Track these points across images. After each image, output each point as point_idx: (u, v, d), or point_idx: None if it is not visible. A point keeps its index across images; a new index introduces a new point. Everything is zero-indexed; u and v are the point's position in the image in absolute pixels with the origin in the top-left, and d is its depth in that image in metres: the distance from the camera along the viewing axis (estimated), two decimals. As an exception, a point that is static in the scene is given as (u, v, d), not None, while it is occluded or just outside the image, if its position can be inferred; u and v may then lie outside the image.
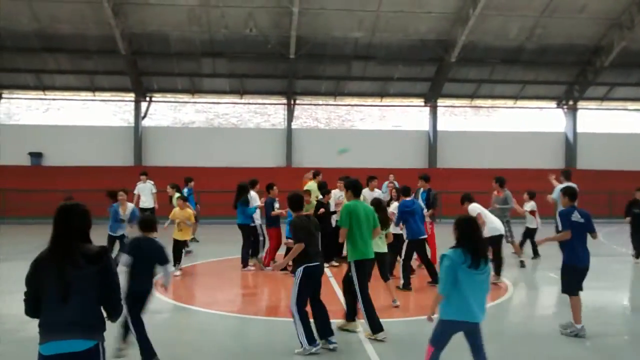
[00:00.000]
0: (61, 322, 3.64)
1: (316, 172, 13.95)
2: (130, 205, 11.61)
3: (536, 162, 26.46)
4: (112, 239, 11.21)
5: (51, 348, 3.60)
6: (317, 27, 22.81)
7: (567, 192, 7.82)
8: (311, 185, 13.68)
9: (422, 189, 12.55)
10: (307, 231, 6.77)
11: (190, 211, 11.80)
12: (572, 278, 7.48)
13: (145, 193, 16.57)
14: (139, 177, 17.00)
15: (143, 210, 16.53)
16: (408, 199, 10.59)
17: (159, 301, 9.35)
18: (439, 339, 5.11)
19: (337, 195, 12.86)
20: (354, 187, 7.51)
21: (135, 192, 16.68)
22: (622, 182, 24.15)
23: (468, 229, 5.09)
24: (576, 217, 7.47)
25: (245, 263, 12.04)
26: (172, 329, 8.09)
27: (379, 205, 8.79)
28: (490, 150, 26.45)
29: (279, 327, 7.75)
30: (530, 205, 13.87)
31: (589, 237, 7.48)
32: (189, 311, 8.92)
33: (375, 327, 7.05)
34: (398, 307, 8.81)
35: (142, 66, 24.79)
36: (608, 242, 16.49)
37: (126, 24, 22.26)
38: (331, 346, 6.62)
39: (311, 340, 6.50)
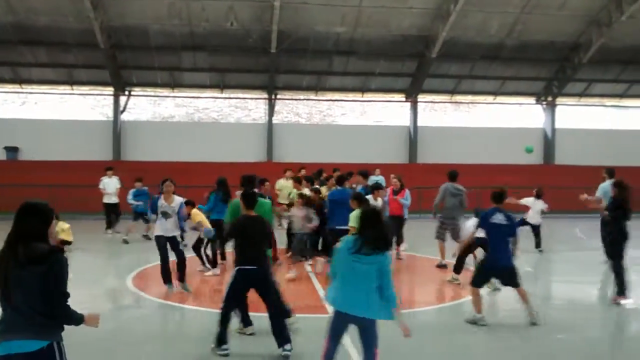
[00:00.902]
0: (10, 321, 3.61)
1: (301, 168, 13.72)
2: (178, 199, 9.51)
3: (515, 158, 26.71)
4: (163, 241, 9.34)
5: (4, 348, 3.57)
6: (299, 21, 22.72)
7: (492, 195, 8.10)
8: (280, 183, 13.67)
9: (360, 185, 12.53)
10: (240, 232, 6.55)
11: (199, 217, 10.59)
12: (482, 274, 7.89)
13: (111, 188, 16.44)
14: (105, 172, 16.90)
15: (108, 206, 16.34)
16: (339, 188, 10.71)
17: (139, 297, 9.29)
18: (331, 328, 5.08)
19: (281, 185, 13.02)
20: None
21: (100, 187, 16.58)
22: (599, 178, 24.42)
23: (369, 219, 5.06)
24: (497, 219, 7.72)
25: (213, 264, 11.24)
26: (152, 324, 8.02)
27: (361, 199, 8.99)
28: (470, 146, 26.62)
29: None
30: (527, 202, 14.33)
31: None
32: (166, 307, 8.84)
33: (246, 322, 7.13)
34: None
35: (121, 60, 24.51)
36: (586, 237, 16.66)
37: (105, 17, 21.96)
38: (283, 353, 6.35)
39: (219, 342, 6.40)
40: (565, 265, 13.48)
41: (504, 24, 23.52)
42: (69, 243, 12.89)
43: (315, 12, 22.36)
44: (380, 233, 4.99)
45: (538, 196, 14.42)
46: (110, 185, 16.51)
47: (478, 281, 7.88)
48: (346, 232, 10.15)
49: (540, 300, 8.80)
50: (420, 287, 10.85)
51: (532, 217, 14.30)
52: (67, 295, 3.69)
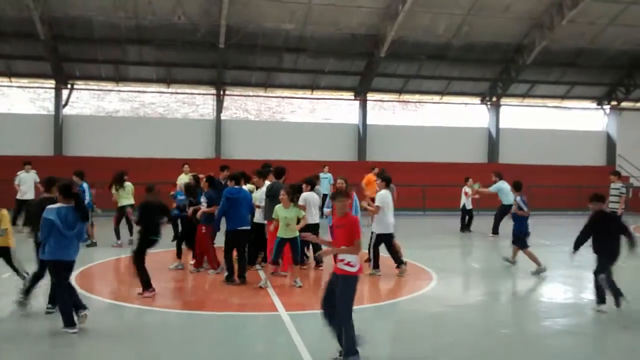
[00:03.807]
0: None
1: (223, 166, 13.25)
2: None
3: (461, 156, 27.32)
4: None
5: None
6: (248, 16, 22.50)
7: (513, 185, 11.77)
8: (182, 177, 13.59)
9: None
10: None
11: None
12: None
13: (28, 183, 15.80)
14: (23, 167, 16.29)
15: (22, 202, 15.47)
16: (236, 187, 10.24)
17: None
18: None
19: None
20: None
21: (16, 182, 15.97)
22: (541, 176, 25.29)
23: None
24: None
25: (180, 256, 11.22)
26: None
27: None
28: (417, 144, 27.01)
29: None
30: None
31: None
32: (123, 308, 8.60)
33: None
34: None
35: (63, 52, 23.68)
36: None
37: (46, 7, 21.15)
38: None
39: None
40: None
41: (450, 24, 23.92)
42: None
43: (265, 8, 22.19)
44: None
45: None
46: (27, 180, 15.79)
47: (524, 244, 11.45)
48: (244, 233, 10.07)
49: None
50: (377, 283, 10.91)
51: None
52: None
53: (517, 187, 11.90)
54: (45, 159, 23.50)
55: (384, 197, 10.78)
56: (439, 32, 24.23)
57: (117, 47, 23.72)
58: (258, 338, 7.10)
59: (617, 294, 8.26)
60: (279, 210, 9.79)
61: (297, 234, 9.74)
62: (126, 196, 13.73)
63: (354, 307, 6.02)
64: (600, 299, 8.37)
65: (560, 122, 29.76)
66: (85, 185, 13.93)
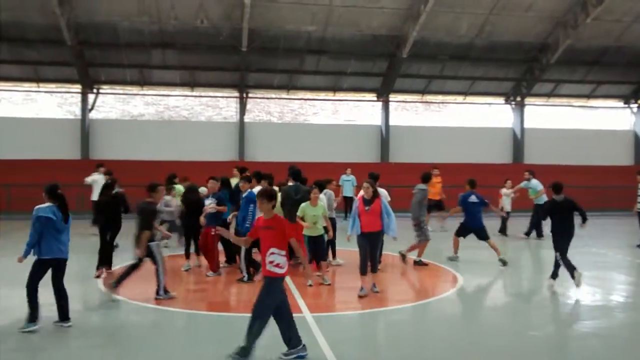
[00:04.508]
0: None
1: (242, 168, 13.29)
2: None
3: (485, 157, 27.10)
4: None
5: None
6: (270, 19, 22.63)
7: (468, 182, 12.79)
8: (178, 187, 13.71)
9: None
10: None
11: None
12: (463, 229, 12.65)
13: (99, 184, 15.44)
14: (95, 169, 16.07)
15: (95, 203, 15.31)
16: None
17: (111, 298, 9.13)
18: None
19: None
20: None
21: (89, 181, 15.76)
22: (567, 176, 24.87)
23: None
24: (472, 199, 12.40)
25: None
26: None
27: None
28: (440, 145, 26.85)
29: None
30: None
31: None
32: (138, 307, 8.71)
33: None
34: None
35: (89, 57, 24.08)
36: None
37: (72, 13, 21.55)
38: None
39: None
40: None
41: (473, 24, 23.77)
42: None
43: (286, 10, 22.30)
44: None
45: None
46: (100, 182, 14.94)
47: (459, 233, 12.55)
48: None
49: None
50: (401, 285, 10.88)
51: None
52: None
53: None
54: (72, 163, 23.92)
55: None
56: (462, 32, 24.10)
57: (142, 52, 24.03)
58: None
59: (572, 270, 9.61)
60: (307, 208, 9.92)
61: (323, 232, 10.05)
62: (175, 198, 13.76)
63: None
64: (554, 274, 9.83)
65: (585, 122, 29.37)
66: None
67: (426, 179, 12.22)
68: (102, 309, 8.73)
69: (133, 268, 8.82)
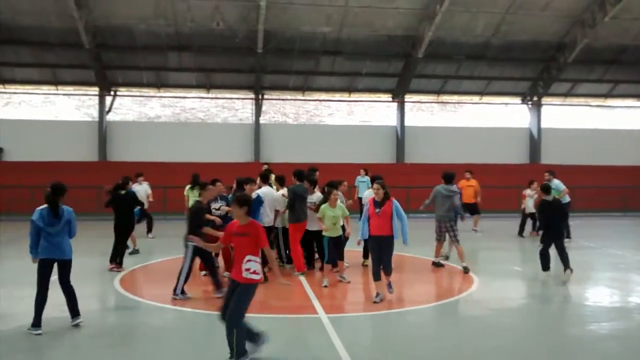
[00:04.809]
0: None
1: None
2: None
3: (502, 157, 26.93)
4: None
5: None
6: (285, 21, 22.70)
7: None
8: (187, 189, 13.74)
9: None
10: None
11: None
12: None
13: (140, 195, 14.52)
14: (134, 179, 15.41)
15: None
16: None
17: (124, 298, 9.22)
18: None
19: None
20: None
21: (185, 194, 14.89)
22: (585, 177, 24.73)
23: None
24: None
25: None
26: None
27: None
28: (456, 146, 26.74)
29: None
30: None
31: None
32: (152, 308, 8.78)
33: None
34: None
35: (106, 59, 24.33)
36: (573, 235, 16.81)
37: (90, 17, 21.79)
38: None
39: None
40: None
41: (489, 24, 23.65)
42: None
43: (302, 12, 22.35)
44: None
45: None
46: (140, 192, 14.87)
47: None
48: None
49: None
50: (416, 286, 10.87)
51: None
52: None
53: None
54: (90, 165, 24.22)
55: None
56: (478, 31, 23.98)
57: (158, 54, 24.22)
58: (298, 340, 7.15)
59: (545, 265, 10.70)
60: (326, 210, 9.98)
61: (341, 232, 10.19)
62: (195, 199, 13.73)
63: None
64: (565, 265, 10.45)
65: (603, 121, 29.06)
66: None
67: (449, 179, 11.81)
68: (117, 309, 8.83)
69: (212, 268, 9.18)
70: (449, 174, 11.85)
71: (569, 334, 7.67)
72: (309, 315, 8.03)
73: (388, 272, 8.88)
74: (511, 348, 6.83)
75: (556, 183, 16.11)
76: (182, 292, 8.91)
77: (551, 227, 10.55)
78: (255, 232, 5.97)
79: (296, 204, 10.72)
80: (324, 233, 10.17)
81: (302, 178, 11.21)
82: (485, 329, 7.72)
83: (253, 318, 8.00)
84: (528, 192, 17.10)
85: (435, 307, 8.97)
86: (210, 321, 7.92)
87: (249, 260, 5.91)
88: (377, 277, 8.76)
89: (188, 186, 14.27)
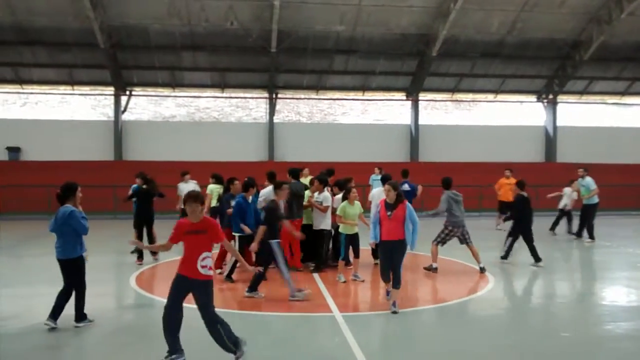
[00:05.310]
0: None
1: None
2: None
3: (517, 155, 26.74)
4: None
5: None
6: (299, 20, 22.72)
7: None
8: (210, 187, 13.65)
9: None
10: None
11: None
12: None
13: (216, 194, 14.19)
14: (181, 177, 15.22)
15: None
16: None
17: (140, 296, 9.29)
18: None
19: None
20: None
21: (179, 193, 14.88)
22: (602, 175, 24.42)
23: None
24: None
25: None
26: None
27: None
28: (471, 144, 26.64)
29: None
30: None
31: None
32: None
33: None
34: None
35: (121, 59, 24.52)
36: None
37: (105, 17, 21.99)
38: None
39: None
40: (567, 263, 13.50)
41: (504, 21, 23.50)
42: None
43: (315, 11, 22.35)
44: None
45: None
46: (186, 190, 14.93)
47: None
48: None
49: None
50: (431, 285, 10.85)
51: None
52: None
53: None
54: (106, 164, 24.42)
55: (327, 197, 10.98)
56: (492, 29, 23.85)
57: (173, 54, 24.37)
58: (313, 339, 7.16)
59: (507, 253, 12.01)
60: (347, 208, 10.08)
61: (357, 229, 10.32)
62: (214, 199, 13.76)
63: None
64: (535, 258, 11.60)
65: (620, 119, 28.77)
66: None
67: (447, 184, 11.49)
68: (133, 307, 8.90)
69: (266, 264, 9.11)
70: (449, 179, 11.65)
71: (584, 333, 7.60)
72: (323, 314, 8.03)
73: (396, 285, 8.12)
74: (526, 348, 6.78)
75: (588, 181, 15.70)
76: (299, 290, 8.77)
77: (522, 221, 11.71)
78: (213, 228, 5.94)
79: (292, 202, 10.85)
80: (340, 230, 10.24)
81: (297, 176, 11.49)
82: (500, 328, 7.68)
83: (268, 316, 8.07)
84: (568, 190, 16.73)
85: (450, 306, 8.94)
86: (225, 318, 7.98)
87: (205, 258, 5.87)
88: (386, 279, 8.35)
89: (213, 185, 14.06)
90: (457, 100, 28.20)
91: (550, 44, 24.96)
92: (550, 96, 27.68)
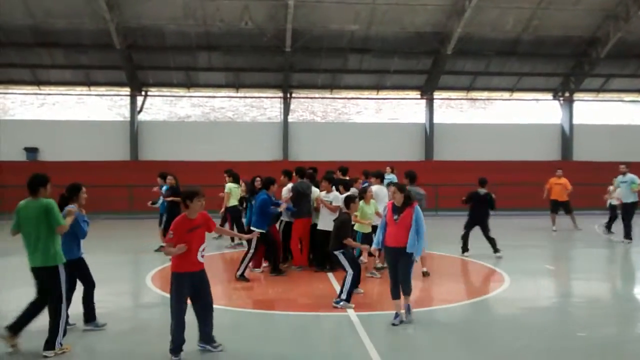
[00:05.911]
0: None
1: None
2: None
3: (533, 154, 26.57)
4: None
5: None
6: (313, 20, 22.74)
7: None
8: (228, 186, 13.67)
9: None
10: None
11: None
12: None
13: (235, 194, 14.22)
14: (224, 178, 14.69)
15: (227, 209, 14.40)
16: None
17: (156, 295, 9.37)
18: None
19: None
20: None
21: (227, 191, 14.32)
22: (618, 174, 24.16)
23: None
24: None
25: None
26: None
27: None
28: (486, 143, 26.49)
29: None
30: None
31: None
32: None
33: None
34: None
35: (137, 60, 24.71)
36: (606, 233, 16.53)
37: (121, 18, 22.17)
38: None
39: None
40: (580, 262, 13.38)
41: (519, 19, 23.34)
42: None
43: (330, 10, 22.36)
44: None
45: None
46: (235, 191, 14.21)
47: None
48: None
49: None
50: (446, 284, 10.83)
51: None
52: None
53: None
54: (122, 164, 24.63)
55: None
56: (508, 27, 23.70)
57: (188, 54, 24.50)
58: (327, 338, 7.17)
59: (465, 247, 12.61)
60: (365, 207, 10.18)
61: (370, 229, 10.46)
62: (234, 197, 13.89)
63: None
64: (495, 249, 12.36)
65: (638, 117, 28.44)
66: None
67: (411, 178, 11.10)
68: (149, 307, 8.96)
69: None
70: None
71: (600, 334, 7.53)
72: (338, 313, 8.04)
73: (406, 292, 7.51)
74: (541, 348, 6.75)
75: (631, 177, 15.66)
76: (357, 287, 8.77)
77: (475, 216, 12.41)
78: (207, 219, 6.36)
79: (299, 200, 11.04)
80: (356, 228, 10.27)
81: (303, 175, 11.55)
82: (516, 328, 7.64)
83: (283, 315, 8.11)
84: (611, 188, 16.83)
85: (465, 305, 8.91)
86: (238, 317, 8.03)
87: (204, 248, 6.28)
88: (395, 296, 7.55)
89: (232, 184, 13.98)
90: (472, 99, 28.05)
91: (567, 41, 24.75)
92: (567, 94, 27.44)
